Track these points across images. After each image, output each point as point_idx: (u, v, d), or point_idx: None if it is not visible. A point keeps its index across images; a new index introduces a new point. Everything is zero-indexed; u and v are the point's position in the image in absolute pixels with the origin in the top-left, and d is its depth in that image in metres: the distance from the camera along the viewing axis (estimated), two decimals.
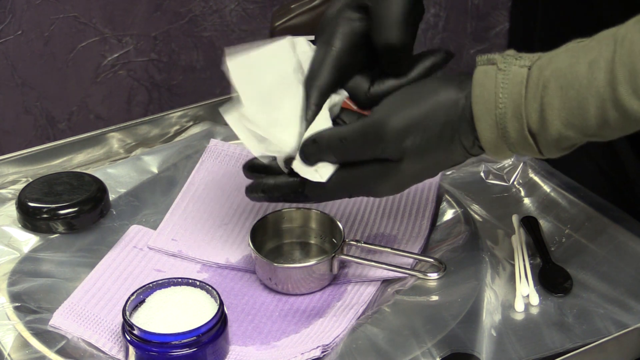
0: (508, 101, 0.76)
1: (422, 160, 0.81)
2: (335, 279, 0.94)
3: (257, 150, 0.86)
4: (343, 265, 0.94)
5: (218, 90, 1.63)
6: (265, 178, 0.87)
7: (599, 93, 0.73)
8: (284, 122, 0.85)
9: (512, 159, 1.06)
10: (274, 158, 0.86)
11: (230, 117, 0.86)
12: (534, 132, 0.76)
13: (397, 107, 0.80)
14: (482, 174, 1.06)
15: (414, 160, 0.81)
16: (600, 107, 0.73)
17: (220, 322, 0.84)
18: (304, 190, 0.85)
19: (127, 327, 0.83)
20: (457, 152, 0.81)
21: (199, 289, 0.87)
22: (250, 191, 0.88)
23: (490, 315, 0.88)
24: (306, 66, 0.87)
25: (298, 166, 0.85)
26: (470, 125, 0.79)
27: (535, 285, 0.91)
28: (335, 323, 0.88)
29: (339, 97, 0.86)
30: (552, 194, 1.03)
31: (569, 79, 0.74)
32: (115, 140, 1.14)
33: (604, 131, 0.75)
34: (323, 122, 0.84)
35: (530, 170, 1.05)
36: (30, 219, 0.99)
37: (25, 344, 0.86)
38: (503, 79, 0.76)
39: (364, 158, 0.82)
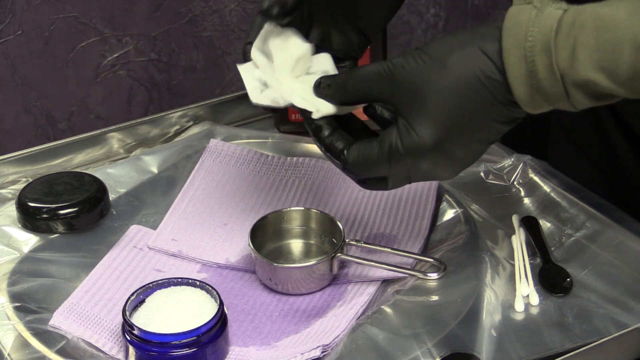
0: (538, 35, 0.74)
1: (461, 135, 0.78)
2: (335, 279, 0.94)
3: (257, 98, 0.86)
4: (343, 265, 0.94)
5: (218, 90, 1.63)
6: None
7: (636, 39, 0.71)
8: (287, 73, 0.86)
9: (512, 159, 1.06)
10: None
11: (243, 67, 0.87)
12: (562, 71, 0.74)
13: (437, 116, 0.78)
14: (482, 174, 1.06)
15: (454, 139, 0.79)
16: (635, 53, 0.71)
17: (220, 322, 0.84)
18: (346, 157, 0.82)
19: (127, 327, 0.83)
20: (492, 111, 0.78)
21: (199, 289, 0.87)
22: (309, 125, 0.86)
23: (490, 315, 0.88)
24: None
25: (298, 100, 0.85)
26: (499, 65, 0.76)
27: (535, 285, 0.91)
28: (335, 323, 0.88)
29: (325, 59, 0.87)
30: (552, 194, 1.03)
31: (606, 21, 0.72)
32: (115, 140, 1.14)
33: (635, 82, 0.72)
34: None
35: (530, 170, 1.05)
36: (30, 219, 0.99)
37: (25, 344, 0.86)
38: (537, 15, 0.74)
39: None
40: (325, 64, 0.87)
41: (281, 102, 0.85)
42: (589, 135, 1.09)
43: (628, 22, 0.71)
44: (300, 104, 0.84)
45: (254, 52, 0.87)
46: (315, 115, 0.83)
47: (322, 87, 0.83)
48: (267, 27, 0.86)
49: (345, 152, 0.82)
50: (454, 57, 0.77)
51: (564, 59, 0.73)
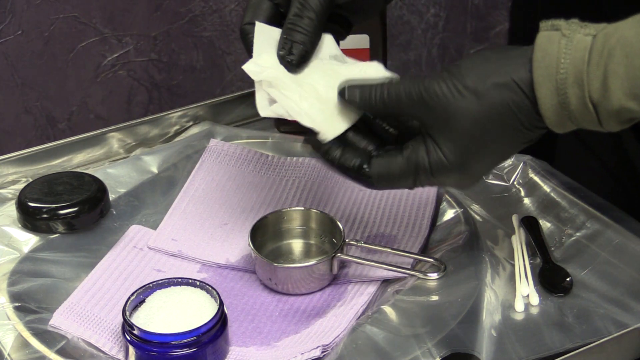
0: (570, 67, 0.74)
1: (485, 156, 0.80)
2: (335, 279, 0.94)
3: (266, 112, 0.85)
4: (343, 265, 0.94)
5: (218, 90, 1.63)
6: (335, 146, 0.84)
7: None
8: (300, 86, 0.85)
9: (512, 159, 1.06)
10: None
11: (252, 72, 0.85)
12: (595, 102, 0.74)
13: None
14: None
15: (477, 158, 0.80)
16: None
17: (220, 322, 0.84)
18: (368, 169, 0.82)
19: (127, 327, 0.83)
20: (517, 135, 0.79)
21: (199, 289, 0.87)
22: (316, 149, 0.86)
23: (490, 315, 0.88)
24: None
25: (306, 119, 0.83)
26: (530, 97, 0.77)
27: (535, 285, 0.91)
28: (335, 323, 0.88)
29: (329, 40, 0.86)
30: (552, 194, 1.03)
31: (635, 48, 0.72)
32: (115, 140, 1.14)
33: None
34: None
35: (530, 170, 1.05)
36: (30, 219, 0.99)
37: (25, 344, 0.86)
38: (566, 45, 0.74)
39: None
40: (330, 46, 0.86)
41: (288, 117, 0.84)
42: (598, 136, 1.09)
43: None
44: (308, 123, 0.83)
45: (257, 54, 0.85)
46: (323, 138, 0.83)
47: (349, 97, 0.82)
48: (260, 28, 0.85)
49: (365, 167, 0.82)
50: (488, 88, 0.77)
51: (596, 89, 0.73)
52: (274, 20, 0.87)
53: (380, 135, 0.84)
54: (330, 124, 0.83)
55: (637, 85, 0.72)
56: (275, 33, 0.85)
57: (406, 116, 0.82)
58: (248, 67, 0.84)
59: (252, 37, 0.85)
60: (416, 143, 0.81)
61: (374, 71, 0.84)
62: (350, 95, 0.82)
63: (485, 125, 0.78)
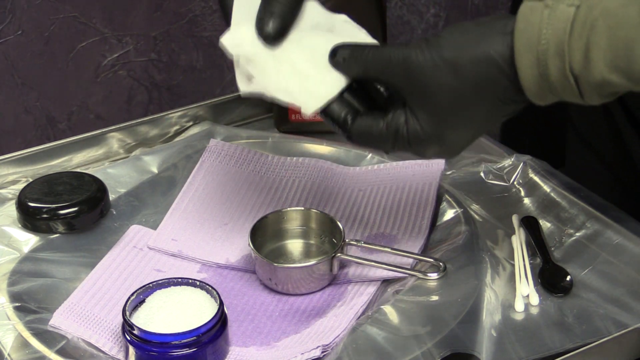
0: (551, 37, 0.73)
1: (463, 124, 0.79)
2: (335, 279, 0.94)
3: (245, 88, 0.83)
4: (343, 265, 0.94)
5: (218, 90, 1.63)
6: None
7: None
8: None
9: (512, 159, 1.06)
10: None
11: (230, 46, 0.83)
12: (576, 73, 0.73)
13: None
14: (482, 174, 1.06)
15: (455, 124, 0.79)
16: None
17: (220, 322, 0.84)
18: (350, 128, 0.82)
19: (127, 327, 0.83)
20: (495, 109, 0.78)
21: (199, 289, 0.87)
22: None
23: (490, 315, 0.88)
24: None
25: (284, 95, 0.82)
26: (508, 71, 0.76)
27: (535, 285, 0.91)
28: (335, 323, 0.88)
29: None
30: (552, 194, 1.03)
31: (618, 19, 0.71)
32: (115, 140, 1.14)
33: None
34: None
35: (530, 170, 1.05)
36: (30, 219, 0.99)
37: (25, 344, 0.86)
38: (549, 15, 0.73)
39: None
40: (313, 14, 0.84)
41: (267, 94, 0.83)
42: (607, 143, 1.09)
43: (639, 18, 0.70)
44: (287, 98, 0.82)
45: (235, 24, 0.83)
46: (305, 112, 0.82)
47: (337, 60, 0.82)
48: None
49: (349, 120, 0.82)
50: (466, 61, 0.77)
51: (577, 61, 0.73)
52: None
53: (372, 97, 0.84)
54: (310, 97, 0.82)
55: (619, 57, 0.71)
56: (255, 1, 0.83)
57: (386, 83, 0.81)
58: (225, 41, 0.82)
59: (232, 3, 0.83)
60: (398, 110, 0.80)
61: (358, 40, 0.83)
62: (338, 58, 0.81)
63: (462, 99, 0.77)
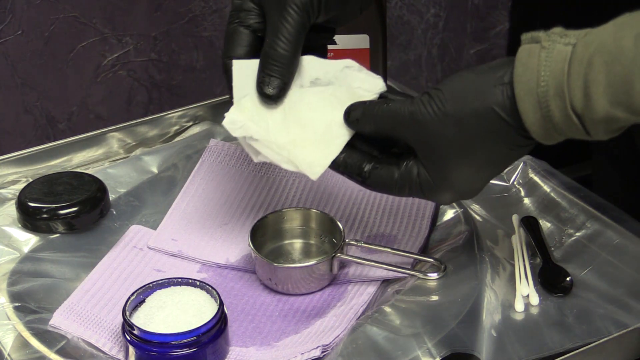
0: (550, 79, 0.73)
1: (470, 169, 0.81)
2: (335, 279, 0.94)
3: (257, 159, 0.86)
4: (343, 265, 0.94)
5: (218, 90, 1.63)
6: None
7: None
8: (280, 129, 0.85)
9: None
10: None
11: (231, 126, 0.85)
12: (579, 112, 0.73)
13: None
14: None
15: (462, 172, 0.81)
16: None
17: (220, 322, 0.84)
18: (366, 177, 0.84)
19: (127, 327, 0.83)
20: (503, 156, 0.80)
21: (199, 289, 0.87)
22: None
23: (490, 315, 0.88)
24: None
25: (287, 165, 0.85)
26: (510, 121, 0.77)
27: (535, 285, 0.91)
28: (335, 323, 0.88)
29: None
30: (552, 194, 1.03)
31: (614, 54, 0.71)
32: (115, 140, 1.14)
33: None
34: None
35: (530, 170, 1.05)
36: (30, 219, 0.99)
37: (25, 344, 0.86)
38: (546, 57, 0.74)
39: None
40: (311, 69, 0.86)
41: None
42: (632, 161, 1.09)
43: (635, 50, 0.70)
44: (293, 169, 0.85)
45: (237, 98, 0.85)
46: (312, 178, 0.84)
47: (351, 120, 0.84)
48: (238, 65, 0.85)
49: (365, 168, 0.84)
50: (468, 115, 0.78)
51: (578, 99, 0.73)
52: (253, 46, 0.87)
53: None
54: (312, 165, 0.84)
55: (619, 92, 0.71)
56: (254, 65, 0.85)
57: (400, 139, 0.83)
58: (227, 124, 0.85)
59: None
60: (410, 161, 0.82)
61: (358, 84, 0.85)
62: (352, 119, 0.84)
63: (468, 151, 0.79)
